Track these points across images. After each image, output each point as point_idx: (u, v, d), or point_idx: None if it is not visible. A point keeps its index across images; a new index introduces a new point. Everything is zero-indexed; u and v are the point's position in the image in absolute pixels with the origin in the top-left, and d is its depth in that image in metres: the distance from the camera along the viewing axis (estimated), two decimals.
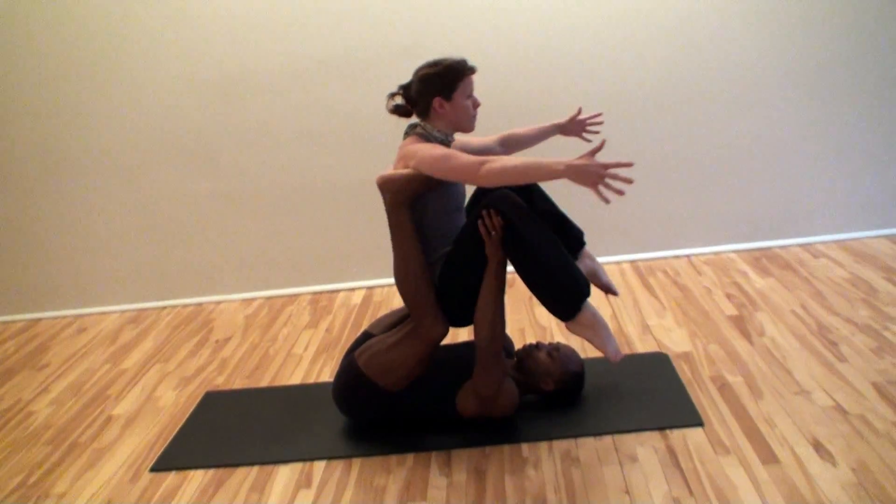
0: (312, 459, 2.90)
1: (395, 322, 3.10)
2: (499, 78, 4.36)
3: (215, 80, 4.43)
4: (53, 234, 4.75)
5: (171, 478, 2.91)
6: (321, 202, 4.63)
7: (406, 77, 4.36)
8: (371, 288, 4.72)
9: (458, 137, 3.22)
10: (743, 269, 4.30)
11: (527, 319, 3.97)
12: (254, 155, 4.55)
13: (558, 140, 4.43)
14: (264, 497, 2.72)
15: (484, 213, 2.70)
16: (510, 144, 3.24)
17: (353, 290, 4.73)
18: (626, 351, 3.50)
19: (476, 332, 2.84)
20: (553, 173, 2.51)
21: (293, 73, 4.41)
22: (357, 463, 2.85)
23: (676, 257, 4.62)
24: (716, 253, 4.61)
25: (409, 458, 2.85)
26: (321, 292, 4.75)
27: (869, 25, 4.26)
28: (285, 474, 2.84)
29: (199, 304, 4.79)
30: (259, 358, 3.88)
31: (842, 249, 4.43)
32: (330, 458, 2.90)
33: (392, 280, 4.71)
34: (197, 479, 2.88)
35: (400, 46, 4.34)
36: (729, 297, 3.95)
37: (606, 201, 2.45)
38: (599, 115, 3.18)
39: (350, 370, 2.96)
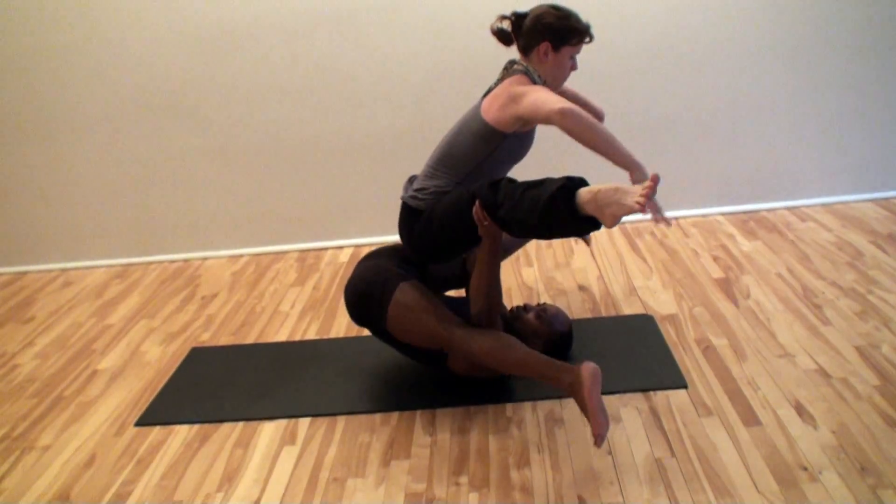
0: (297, 416, 2.91)
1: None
2: (487, 34, 4.31)
3: (202, 33, 4.37)
4: (41, 187, 4.71)
5: (156, 432, 2.92)
6: (310, 159, 4.59)
7: (394, 33, 4.32)
8: (359, 246, 4.71)
9: None
10: (730, 232, 4.31)
11: (514, 281, 3.97)
12: (242, 110, 4.51)
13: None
14: (249, 452, 2.73)
15: (477, 203, 2.66)
16: None
17: (340, 248, 4.72)
18: (611, 313, 3.51)
19: (472, 304, 2.84)
20: (621, 160, 2.63)
21: (280, 26, 4.35)
22: (341, 420, 2.86)
23: None
24: (703, 215, 4.61)
25: (394, 417, 2.86)
26: (308, 250, 4.74)
27: None
28: (270, 430, 2.85)
29: (186, 260, 4.77)
30: (245, 315, 3.88)
31: (829, 213, 4.43)
32: (315, 415, 2.91)
33: (381, 238, 4.69)
34: (182, 433, 2.89)
35: (388, 0, 4.29)
36: (715, 259, 3.96)
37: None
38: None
39: (377, 291, 2.89)
